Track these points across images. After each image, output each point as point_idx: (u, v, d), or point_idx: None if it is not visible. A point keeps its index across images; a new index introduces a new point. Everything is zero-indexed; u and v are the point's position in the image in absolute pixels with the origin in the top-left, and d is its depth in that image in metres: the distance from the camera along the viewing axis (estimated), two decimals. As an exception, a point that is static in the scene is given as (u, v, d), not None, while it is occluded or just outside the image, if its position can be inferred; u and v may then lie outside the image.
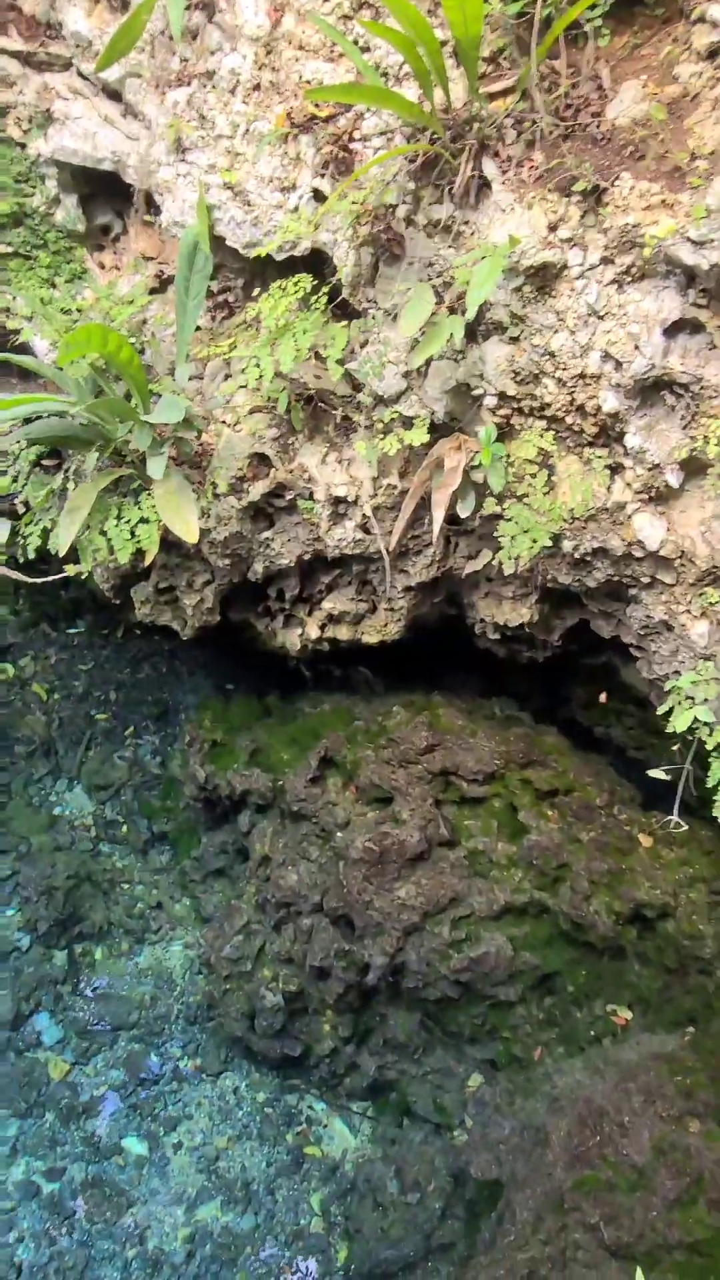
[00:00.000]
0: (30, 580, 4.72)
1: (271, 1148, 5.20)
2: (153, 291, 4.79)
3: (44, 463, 5.20)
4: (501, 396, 4.07)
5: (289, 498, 4.71)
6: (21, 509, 5.07)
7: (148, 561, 4.80)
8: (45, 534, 4.77)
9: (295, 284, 4.11)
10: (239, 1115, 5.31)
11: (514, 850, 4.74)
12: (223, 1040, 5.46)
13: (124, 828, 6.23)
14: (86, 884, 5.94)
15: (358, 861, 4.73)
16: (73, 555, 4.71)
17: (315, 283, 4.11)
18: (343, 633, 5.25)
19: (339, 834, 4.97)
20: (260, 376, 4.16)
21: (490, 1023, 4.77)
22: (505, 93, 3.73)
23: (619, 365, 3.69)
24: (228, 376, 4.70)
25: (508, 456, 4.16)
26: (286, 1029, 5.04)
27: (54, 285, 4.80)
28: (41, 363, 4.55)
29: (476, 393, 4.14)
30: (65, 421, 4.64)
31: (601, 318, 3.66)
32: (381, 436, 4.33)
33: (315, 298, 4.09)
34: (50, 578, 4.77)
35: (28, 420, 4.79)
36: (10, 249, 4.67)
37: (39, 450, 5.15)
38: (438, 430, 4.31)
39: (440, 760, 4.95)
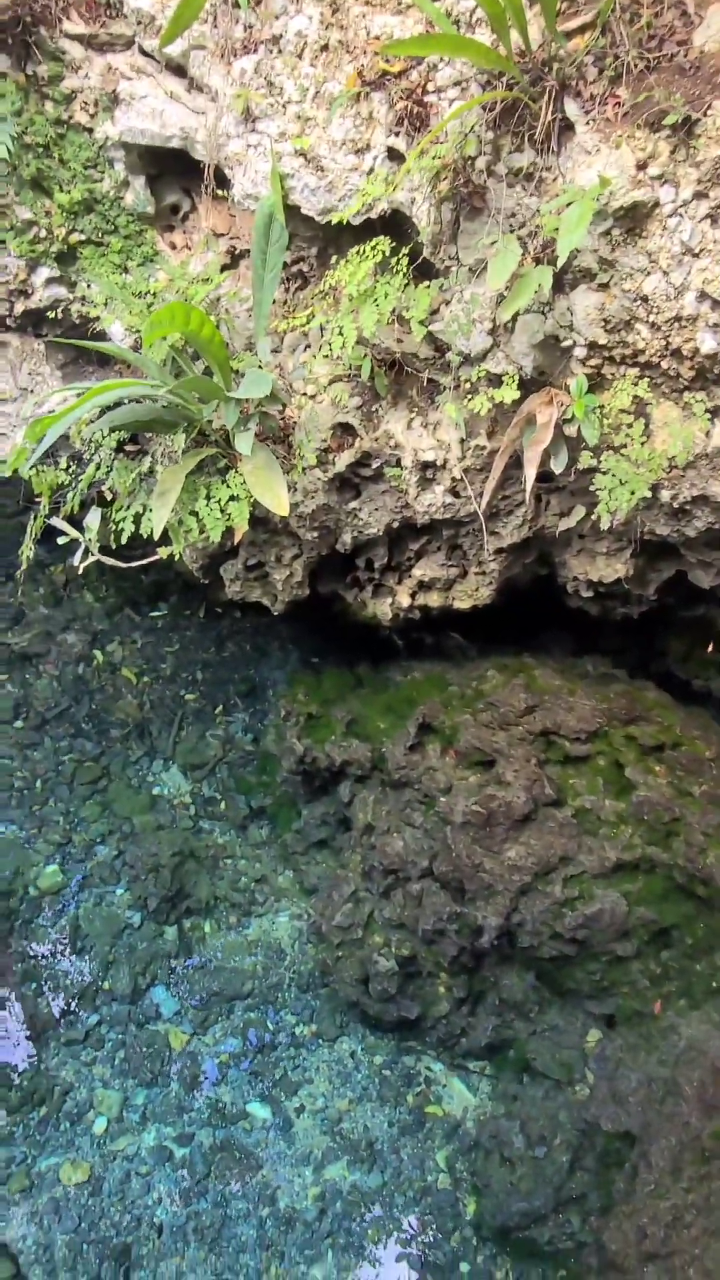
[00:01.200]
0: (125, 565, 4.78)
1: (392, 1108, 5.29)
2: (225, 268, 4.77)
3: (126, 448, 5.24)
4: (592, 346, 3.98)
5: (375, 466, 4.69)
6: (109, 495, 5.12)
7: (237, 539, 4.84)
8: (137, 519, 4.81)
9: (373, 247, 4.04)
10: (358, 1078, 5.41)
11: (622, 807, 4.70)
12: (337, 1006, 5.55)
13: (222, 804, 6.33)
14: (190, 860, 6.06)
15: (464, 825, 4.74)
16: (164, 538, 4.76)
17: (394, 244, 4.04)
18: (434, 599, 5.23)
19: (442, 799, 4.98)
20: (343, 344, 4.13)
21: (607, 979, 4.77)
22: (583, 29, 3.60)
23: (716, 304, 3.58)
24: (306, 348, 4.68)
25: (601, 408, 4.07)
26: (401, 992, 5.10)
27: (126, 270, 4.80)
28: (120, 347, 4.57)
29: (565, 344, 4.05)
30: (148, 405, 4.67)
31: (697, 255, 3.54)
32: (469, 397, 4.27)
33: (395, 260, 4.03)
34: (143, 561, 4.82)
35: (109, 408, 4.84)
36: (83, 236, 4.68)
37: (119, 436, 5.19)
38: (526, 386, 4.23)
39: (540, 721, 4.92)
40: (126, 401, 4.72)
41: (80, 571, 4.79)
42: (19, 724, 6.43)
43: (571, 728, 4.88)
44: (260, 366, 4.41)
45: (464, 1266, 4.77)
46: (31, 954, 5.72)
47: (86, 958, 5.77)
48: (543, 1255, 4.60)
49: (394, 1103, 5.31)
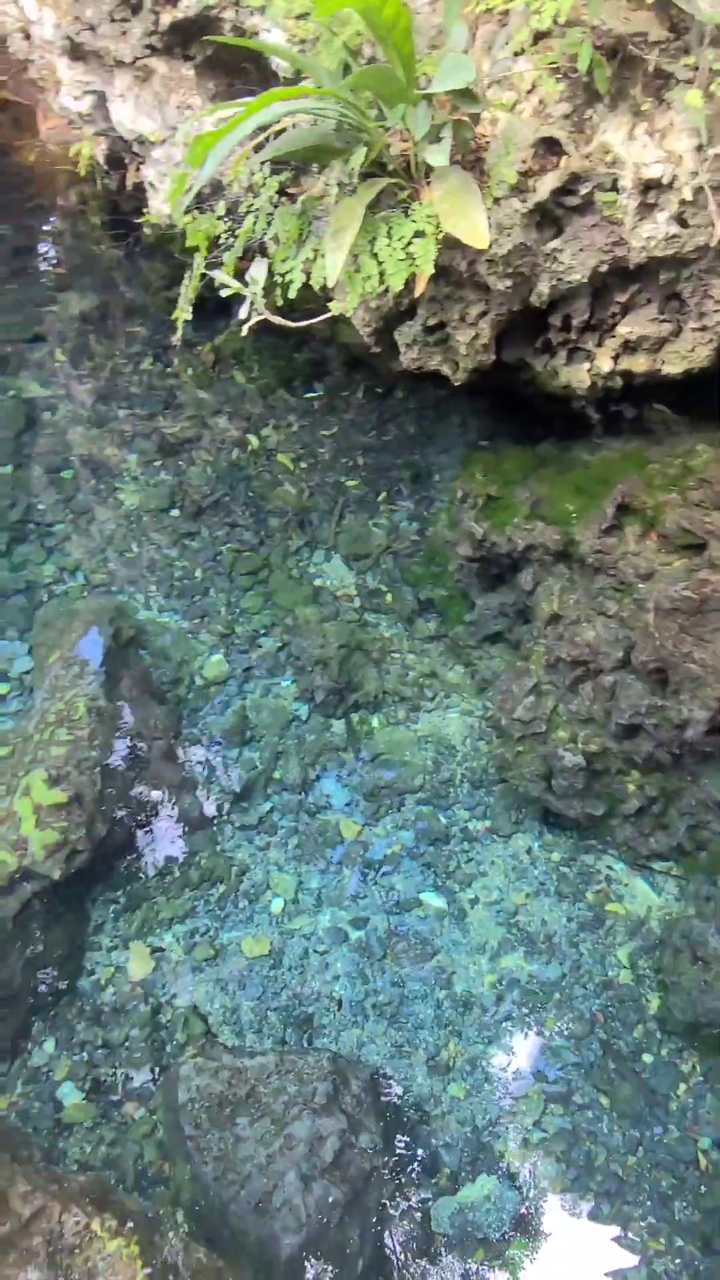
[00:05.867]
0: (294, 325, 4.29)
1: (571, 904, 5.16)
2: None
3: (289, 192, 4.64)
4: None
5: (584, 193, 3.95)
6: (272, 245, 4.57)
7: (419, 290, 4.25)
8: (307, 267, 4.27)
9: None
10: (535, 873, 5.28)
11: None
12: (512, 802, 5.37)
13: (388, 596, 6.03)
14: (357, 654, 5.84)
15: (671, 612, 4.27)
16: (336, 291, 4.24)
17: None
18: (639, 364, 4.55)
19: (641, 585, 4.50)
20: (555, 16, 3.35)
21: None
22: None
23: None
24: (505, 44, 3.88)
25: None
26: (588, 789, 4.84)
27: (288, -43, 4.04)
28: (282, 45, 3.90)
29: None
30: (317, 129, 4.04)
31: None
32: (713, 83, 3.45)
33: None
34: (312, 321, 4.32)
35: (270, 140, 4.23)
36: None
37: (282, 180, 4.58)
38: (791, 65, 3.38)
39: (762, 499, 4.31)
40: (293, 127, 4.10)
41: (244, 334, 4.33)
42: (175, 513, 6.21)
43: None
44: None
45: (647, 1057, 4.70)
46: (201, 742, 5.72)
47: (255, 747, 5.74)
48: (734, 1051, 4.47)
49: (572, 899, 5.17)
